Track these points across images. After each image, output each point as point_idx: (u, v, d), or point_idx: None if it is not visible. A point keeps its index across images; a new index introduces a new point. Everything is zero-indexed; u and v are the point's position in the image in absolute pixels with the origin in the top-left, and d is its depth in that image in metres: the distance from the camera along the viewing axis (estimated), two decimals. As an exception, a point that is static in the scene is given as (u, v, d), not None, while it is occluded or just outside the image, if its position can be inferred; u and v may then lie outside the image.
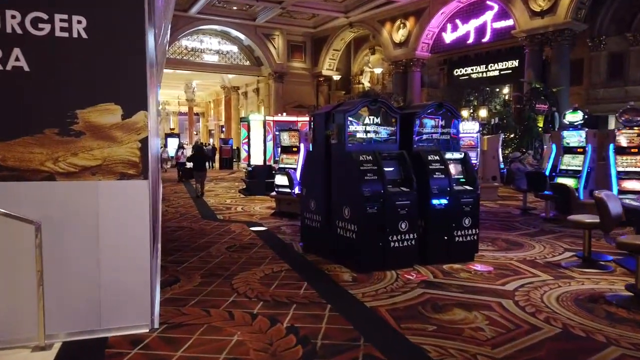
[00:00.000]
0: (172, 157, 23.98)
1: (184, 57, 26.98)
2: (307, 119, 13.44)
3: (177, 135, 28.09)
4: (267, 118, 13.16)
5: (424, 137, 6.00)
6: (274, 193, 9.72)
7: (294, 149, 9.57)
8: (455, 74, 23.90)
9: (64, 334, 3.39)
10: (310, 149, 7.54)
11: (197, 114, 44.52)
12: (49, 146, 3.37)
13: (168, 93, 40.42)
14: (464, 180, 6.03)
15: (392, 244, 5.43)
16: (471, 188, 5.95)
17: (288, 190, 9.29)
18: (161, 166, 20.80)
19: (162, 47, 10.86)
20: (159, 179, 8.91)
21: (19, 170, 3.32)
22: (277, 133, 13.56)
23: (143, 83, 3.59)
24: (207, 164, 16.61)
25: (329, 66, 29.03)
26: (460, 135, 9.10)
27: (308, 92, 28.95)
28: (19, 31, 3.26)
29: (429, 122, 6.04)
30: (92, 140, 3.46)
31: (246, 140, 13.70)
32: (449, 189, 5.74)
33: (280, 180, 9.47)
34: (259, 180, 13.00)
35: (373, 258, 5.41)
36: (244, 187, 14.21)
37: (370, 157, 5.52)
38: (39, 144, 3.35)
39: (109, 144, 3.50)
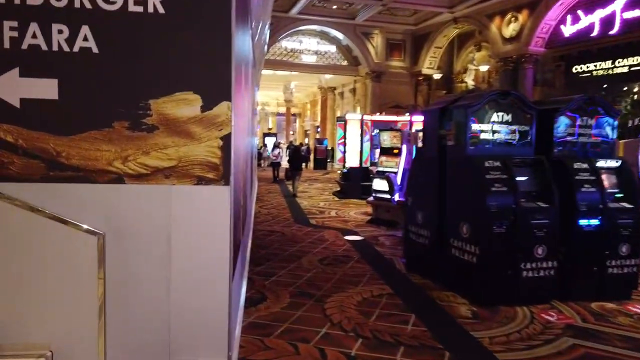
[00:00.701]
0: (268, 155, 24.07)
1: (284, 58, 27.07)
2: (407, 118, 12.37)
3: (275, 135, 28.30)
4: (365, 117, 12.30)
5: (568, 139, 4.73)
6: (371, 198, 8.83)
7: (395, 151, 8.60)
8: (575, 71, 21.19)
9: (126, 370, 2.81)
10: (416, 152, 6.57)
11: (294, 115, 45.07)
12: (118, 142, 2.79)
13: (267, 94, 41.34)
14: (620, 195, 4.67)
15: (524, 272, 4.28)
16: (631, 206, 4.58)
17: (387, 196, 8.35)
18: (259, 164, 20.66)
19: (259, 46, 10.51)
20: (253, 179, 8.50)
21: (84, 170, 2.79)
22: (374, 134, 12.68)
23: (227, 70, 2.90)
24: (303, 164, 16.30)
25: (429, 64, 27.44)
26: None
27: (406, 92, 27.60)
28: (88, 5, 2.73)
29: (574, 122, 4.75)
30: (166, 136, 2.83)
31: (342, 140, 12.98)
32: (601, 206, 4.44)
33: (379, 184, 8.56)
34: (354, 183, 12.20)
35: (499, 289, 4.30)
36: (339, 189, 13.50)
37: (498, 164, 4.41)
38: (107, 139, 2.78)
39: (185, 141, 2.85)
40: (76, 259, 2.72)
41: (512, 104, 4.65)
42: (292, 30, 25.74)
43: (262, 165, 24.52)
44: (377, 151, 12.78)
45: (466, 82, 26.50)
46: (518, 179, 4.38)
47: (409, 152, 8.50)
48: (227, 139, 2.90)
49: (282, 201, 11.70)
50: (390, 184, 8.01)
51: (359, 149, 12.19)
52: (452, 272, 4.69)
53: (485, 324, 3.90)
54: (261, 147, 27.68)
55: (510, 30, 22.10)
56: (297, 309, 4.12)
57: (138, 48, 2.79)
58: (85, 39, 2.73)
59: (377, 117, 12.94)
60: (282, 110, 42.57)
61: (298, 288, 4.71)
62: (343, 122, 12.42)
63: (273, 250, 6.35)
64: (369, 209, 9.77)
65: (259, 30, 9.36)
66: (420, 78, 27.72)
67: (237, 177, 3.42)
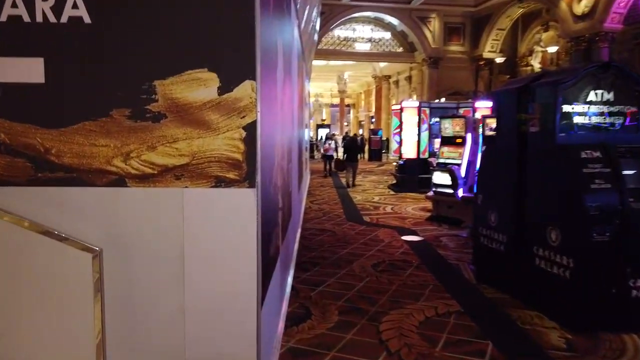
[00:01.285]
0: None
1: (337, 48, 26.30)
2: (469, 105, 11.28)
3: (328, 126, 27.64)
4: (423, 104, 11.33)
5: (690, 121, 3.71)
6: (430, 193, 7.96)
7: (458, 140, 7.67)
8: (659, 48, 18.89)
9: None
10: (485, 141, 5.68)
11: (347, 105, 44.26)
12: (117, 136, 2.22)
13: (321, 85, 40.73)
14: None
15: (634, 292, 3.37)
16: None
17: (450, 190, 7.46)
18: (312, 156, 19.89)
19: (307, 34, 9.82)
20: (302, 175, 7.89)
21: (77, 170, 2.25)
22: (433, 122, 11.71)
23: (251, 40, 2.25)
24: (359, 155, 15.56)
25: (491, 48, 25.65)
26: None
27: (466, 78, 25.97)
28: (77, -35, 2.17)
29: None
30: (176, 126, 2.23)
31: (398, 130, 12.10)
32: None
33: (440, 178, 7.68)
34: (411, 175, 11.31)
35: (600, 311, 3.40)
36: (394, 182, 12.66)
37: (598, 154, 3.49)
38: (105, 131, 2.22)
39: (200, 132, 2.23)
40: (68, 280, 2.19)
41: (614, 80, 3.69)
42: (345, 18, 24.88)
43: (316, 157, 24.00)
44: (437, 141, 11.80)
45: (532, 66, 24.56)
46: (625, 172, 3.44)
47: (474, 141, 7.55)
48: (251, 128, 2.25)
49: (335, 195, 11.04)
50: (454, 177, 7.13)
51: (416, 139, 11.27)
52: (536, 287, 3.83)
53: (585, 358, 3.04)
54: (316, 139, 27.19)
55: (582, 6, 20.02)
56: (346, 330, 3.44)
57: (138, 15, 2.20)
58: (75, 6, 2.16)
59: (436, 103, 11.91)
60: (336, 101, 41.85)
61: (348, 302, 4.03)
62: (399, 110, 11.52)
63: (322, 253, 5.71)
64: (428, 205, 8.91)
65: (305, 16, 8.71)
66: (481, 62, 25.99)
67: (269, 175, 2.79)
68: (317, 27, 16.30)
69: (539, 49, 24.24)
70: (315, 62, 33.87)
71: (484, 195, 4.69)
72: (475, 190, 7.09)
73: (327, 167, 16.15)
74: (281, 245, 3.61)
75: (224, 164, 2.27)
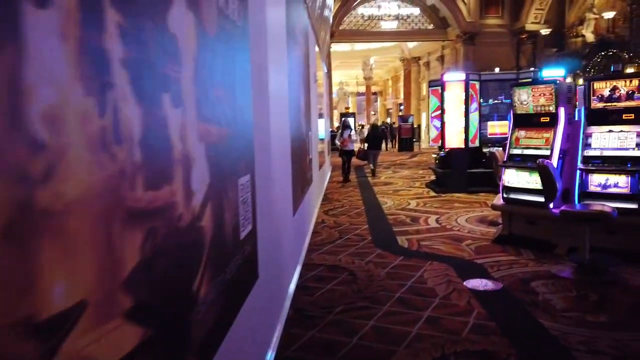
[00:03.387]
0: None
1: (360, 28, 23.33)
2: (530, 77, 8.34)
3: (352, 115, 24.63)
4: (471, 76, 8.43)
5: None
6: (499, 201, 5.15)
7: (544, 119, 4.83)
8: None
9: None
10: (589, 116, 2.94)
11: (374, 93, 41.20)
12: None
13: (346, 73, 37.88)
14: None
15: None
16: None
17: (535, 199, 4.65)
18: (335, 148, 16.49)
19: (320, 16, 7.18)
20: (310, 177, 5.27)
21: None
22: (490, 102, 8.82)
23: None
24: (382, 144, 12.98)
25: (534, 19, 22.14)
26: None
27: (506, 54, 22.52)
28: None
29: None
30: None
31: (437, 112, 9.25)
32: None
33: (517, 179, 4.87)
34: (457, 170, 8.49)
35: None
36: (434, 179, 9.84)
37: None
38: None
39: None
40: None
41: None
42: (368, -6, 21.93)
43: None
44: (493, 124, 8.92)
45: (583, 36, 20.99)
46: None
47: (571, 120, 4.72)
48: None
49: (357, 199, 8.34)
50: (548, 178, 4.30)
51: (464, 123, 8.40)
52: None
53: None
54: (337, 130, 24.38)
55: (649, -41, 16.45)
56: None
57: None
58: None
59: (489, 74, 8.96)
60: (362, 89, 38.88)
61: None
62: (440, 87, 8.66)
63: (329, 329, 3.06)
64: (489, 212, 6.15)
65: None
66: (524, 36, 22.50)
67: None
68: (330, 3, 13.64)
69: (592, 16, 20.61)
70: (339, 47, 30.97)
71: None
72: (574, 196, 4.28)
73: (346, 167, 10.77)
74: None
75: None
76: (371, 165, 11.81)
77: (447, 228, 5.87)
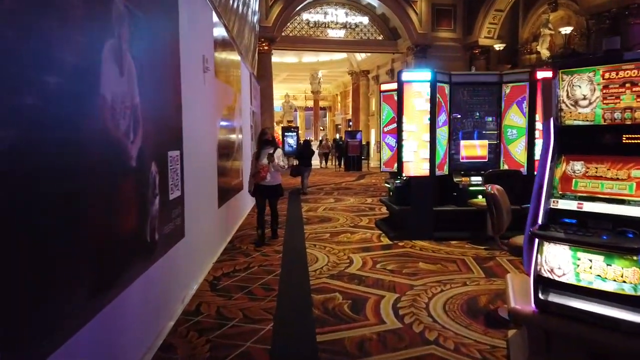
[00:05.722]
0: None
1: (305, 34, 20.74)
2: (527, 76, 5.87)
3: (295, 130, 21.64)
4: (440, 78, 5.85)
5: None
6: (529, 306, 2.41)
7: (632, 141, 2.19)
8: None
9: None
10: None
11: (323, 108, 38.87)
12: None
13: (294, 87, 35.33)
14: None
15: None
16: None
17: (625, 315, 1.96)
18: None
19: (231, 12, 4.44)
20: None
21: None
22: (459, 114, 6.24)
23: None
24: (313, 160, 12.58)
25: (487, 33, 20.50)
26: None
27: (459, 69, 20.53)
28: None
29: None
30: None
31: (392, 126, 6.57)
32: None
33: (576, 267, 2.16)
34: (419, 208, 5.82)
35: None
36: (387, 216, 7.15)
37: None
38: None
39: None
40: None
41: None
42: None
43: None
44: (465, 144, 6.30)
45: (539, 52, 19.46)
46: None
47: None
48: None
49: (276, 254, 5.49)
50: None
51: (428, 141, 5.76)
52: None
53: None
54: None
55: (608, -27, 15.00)
56: None
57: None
58: None
59: (462, 75, 6.34)
60: (311, 104, 36.41)
61: None
62: (396, 91, 5.98)
63: None
64: (479, 288, 3.49)
65: None
66: (476, 51, 20.77)
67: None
68: (255, 8, 11.11)
69: (547, 31, 19.06)
70: (286, 59, 28.29)
71: None
72: None
73: (260, 221, 5.79)
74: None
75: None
76: (305, 182, 11.22)
77: (415, 336, 3.08)
